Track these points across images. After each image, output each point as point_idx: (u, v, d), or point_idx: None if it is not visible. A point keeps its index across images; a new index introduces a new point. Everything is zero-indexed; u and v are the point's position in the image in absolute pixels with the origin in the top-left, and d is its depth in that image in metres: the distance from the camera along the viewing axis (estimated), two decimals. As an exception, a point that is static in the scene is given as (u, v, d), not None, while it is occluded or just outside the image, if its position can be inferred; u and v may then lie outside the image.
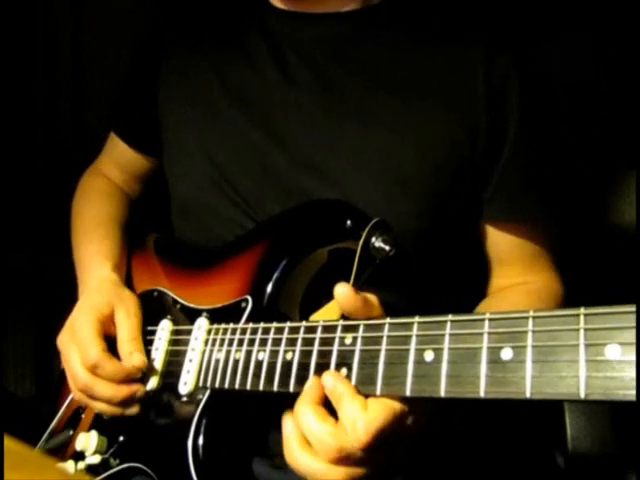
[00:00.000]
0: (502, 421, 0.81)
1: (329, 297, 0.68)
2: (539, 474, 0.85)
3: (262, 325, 0.63)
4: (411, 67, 0.75)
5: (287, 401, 0.65)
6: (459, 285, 0.79)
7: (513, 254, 0.79)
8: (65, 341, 0.74)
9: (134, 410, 0.71)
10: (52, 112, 1.28)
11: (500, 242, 0.78)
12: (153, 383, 0.71)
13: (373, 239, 0.64)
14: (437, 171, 0.73)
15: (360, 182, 0.73)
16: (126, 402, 0.70)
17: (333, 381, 0.54)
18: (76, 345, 0.72)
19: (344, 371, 0.55)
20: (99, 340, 0.71)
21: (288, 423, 0.56)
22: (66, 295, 0.82)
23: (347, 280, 0.65)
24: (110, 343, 0.73)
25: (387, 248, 0.64)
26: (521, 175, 0.75)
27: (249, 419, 0.69)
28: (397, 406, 0.53)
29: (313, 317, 0.67)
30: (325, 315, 0.64)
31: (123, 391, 0.70)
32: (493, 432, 0.82)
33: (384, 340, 0.54)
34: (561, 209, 0.78)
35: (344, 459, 0.52)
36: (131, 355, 0.70)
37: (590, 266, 0.98)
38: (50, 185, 1.24)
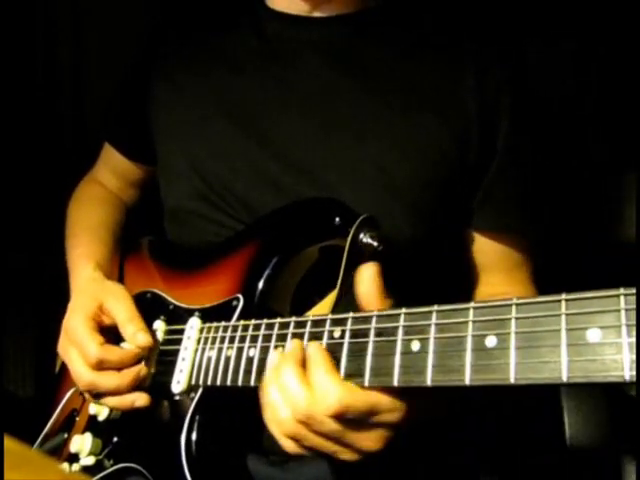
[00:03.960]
0: (502, 420, 0.82)
1: (320, 295, 0.69)
2: (539, 472, 0.85)
3: (253, 322, 0.64)
4: (405, 77, 0.76)
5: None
6: (447, 288, 0.79)
7: (497, 262, 0.80)
8: (64, 346, 0.75)
9: (143, 400, 0.70)
10: (52, 112, 1.28)
11: (486, 250, 0.80)
12: (146, 383, 0.72)
13: (361, 235, 0.65)
14: (428, 180, 0.74)
15: (352, 189, 0.73)
16: (133, 388, 0.70)
17: (315, 349, 0.56)
18: (75, 347, 0.73)
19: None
20: (95, 335, 0.72)
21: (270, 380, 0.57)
22: (66, 295, 0.82)
23: (336, 277, 0.66)
24: (109, 335, 0.73)
25: (375, 244, 0.65)
26: (508, 189, 0.77)
27: (243, 417, 0.69)
28: (379, 398, 0.54)
29: (306, 315, 0.68)
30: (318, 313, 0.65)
31: (127, 376, 0.70)
32: (493, 431, 0.82)
33: (372, 332, 0.54)
34: (548, 224, 0.80)
35: (308, 425, 0.54)
36: (135, 336, 0.70)
37: (588, 273, 0.98)
38: (50, 185, 1.25)
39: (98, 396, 0.72)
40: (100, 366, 0.70)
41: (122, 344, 0.74)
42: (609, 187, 1.02)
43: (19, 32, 1.24)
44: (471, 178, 0.76)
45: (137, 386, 0.71)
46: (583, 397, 0.81)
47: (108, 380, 0.70)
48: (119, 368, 0.71)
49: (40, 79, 1.27)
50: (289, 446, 0.57)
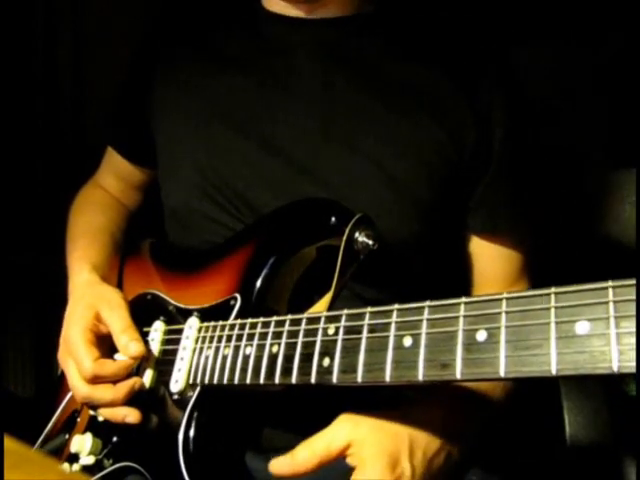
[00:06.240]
0: (502, 419, 0.81)
1: (317, 294, 0.70)
2: (539, 471, 0.84)
3: (250, 320, 0.64)
4: (401, 78, 0.77)
5: (282, 398, 0.66)
6: (445, 287, 0.79)
7: (496, 269, 0.81)
8: (63, 357, 0.76)
9: (134, 417, 0.71)
10: (52, 112, 1.29)
11: (483, 254, 0.81)
12: (146, 383, 0.72)
13: (357, 234, 0.66)
14: (427, 178, 0.75)
15: (352, 187, 0.74)
16: (128, 399, 0.71)
17: None
18: (72, 359, 0.74)
19: (327, 361, 0.56)
20: (91, 349, 0.72)
21: None
22: (66, 296, 0.82)
23: (332, 275, 0.66)
24: (107, 343, 0.74)
25: (370, 243, 0.65)
26: (503, 189, 0.78)
27: (242, 415, 0.70)
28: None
29: (305, 314, 0.68)
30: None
31: (122, 390, 0.71)
32: (493, 430, 0.81)
33: (365, 328, 0.54)
34: (544, 223, 0.81)
35: None
36: (127, 346, 0.71)
37: (587, 272, 0.97)
38: (51, 185, 1.25)
39: (94, 408, 0.74)
40: (95, 381, 0.71)
41: (116, 355, 0.74)
42: (606, 185, 1.02)
43: (19, 32, 1.24)
44: (467, 178, 0.77)
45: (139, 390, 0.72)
46: (583, 397, 0.80)
47: (103, 394, 0.71)
48: (115, 380, 0.72)
49: (40, 79, 1.27)
50: None
